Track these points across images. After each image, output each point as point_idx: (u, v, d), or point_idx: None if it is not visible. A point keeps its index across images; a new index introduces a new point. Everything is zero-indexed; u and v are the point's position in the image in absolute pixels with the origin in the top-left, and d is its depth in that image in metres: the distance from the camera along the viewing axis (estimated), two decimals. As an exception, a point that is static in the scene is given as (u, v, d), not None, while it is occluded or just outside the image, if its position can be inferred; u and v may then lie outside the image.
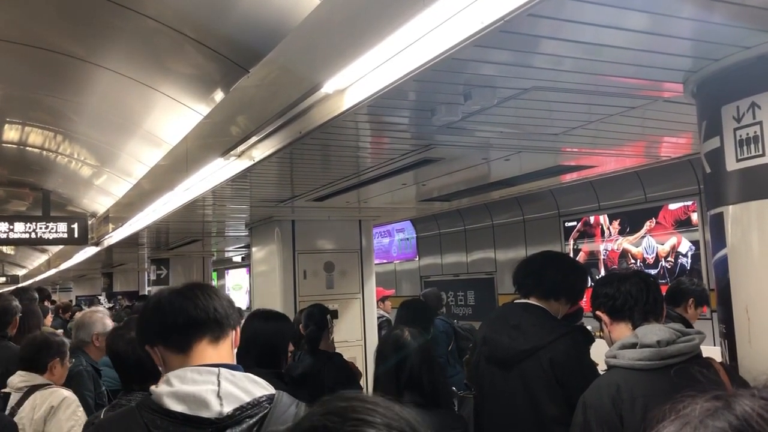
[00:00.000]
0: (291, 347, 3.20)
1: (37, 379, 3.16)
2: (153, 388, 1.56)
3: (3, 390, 3.18)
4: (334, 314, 6.20)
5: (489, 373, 2.76)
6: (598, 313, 2.26)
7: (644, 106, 3.43)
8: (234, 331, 1.72)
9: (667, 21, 2.35)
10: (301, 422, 0.89)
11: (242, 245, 11.86)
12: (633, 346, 2.05)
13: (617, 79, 2.98)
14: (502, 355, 2.66)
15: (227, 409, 1.50)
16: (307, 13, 3.11)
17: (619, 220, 8.51)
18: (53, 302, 14.24)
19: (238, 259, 17.29)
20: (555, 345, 2.52)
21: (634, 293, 2.19)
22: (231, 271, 19.83)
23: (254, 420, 1.51)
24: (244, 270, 18.18)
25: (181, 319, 1.64)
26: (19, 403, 3.05)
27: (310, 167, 4.81)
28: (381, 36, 2.43)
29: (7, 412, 3.01)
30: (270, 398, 1.57)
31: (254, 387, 1.58)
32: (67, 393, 3.13)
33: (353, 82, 2.86)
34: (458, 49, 2.25)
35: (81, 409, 3.11)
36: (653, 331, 2.05)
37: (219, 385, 1.53)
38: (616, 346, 2.12)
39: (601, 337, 2.42)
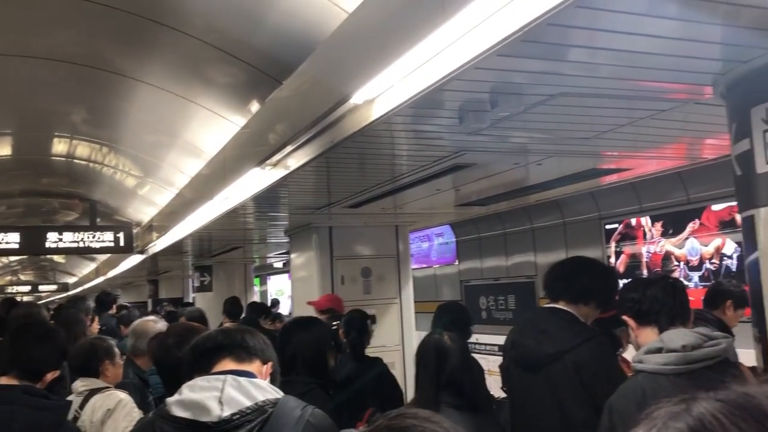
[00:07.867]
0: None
1: (96, 383, 3.29)
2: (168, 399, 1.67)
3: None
4: (372, 319, 6.26)
5: (518, 377, 2.78)
6: (624, 317, 2.27)
7: (674, 109, 3.40)
8: (265, 366, 1.79)
9: (695, 27, 2.34)
10: None
11: (283, 251, 11.99)
12: (659, 350, 2.05)
13: (645, 83, 2.97)
14: (528, 359, 2.68)
15: (226, 413, 1.56)
16: (336, 27, 3.18)
17: (661, 222, 8.36)
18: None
19: (279, 265, 17.46)
20: (580, 349, 2.53)
21: (660, 297, 2.19)
22: (273, 277, 20.06)
23: (254, 423, 1.57)
24: (285, 276, 18.38)
25: (210, 344, 1.79)
26: (81, 406, 3.18)
27: (345, 175, 4.88)
28: (406, 48, 2.48)
29: (70, 415, 3.14)
30: (274, 402, 1.62)
31: (258, 392, 1.63)
32: (122, 395, 3.24)
33: (381, 93, 2.91)
34: (481, 59, 2.29)
35: (136, 409, 3.22)
36: (679, 336, 2.04)
37: (222, 391, 1.60)
38: (642, 350, 2.12)
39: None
